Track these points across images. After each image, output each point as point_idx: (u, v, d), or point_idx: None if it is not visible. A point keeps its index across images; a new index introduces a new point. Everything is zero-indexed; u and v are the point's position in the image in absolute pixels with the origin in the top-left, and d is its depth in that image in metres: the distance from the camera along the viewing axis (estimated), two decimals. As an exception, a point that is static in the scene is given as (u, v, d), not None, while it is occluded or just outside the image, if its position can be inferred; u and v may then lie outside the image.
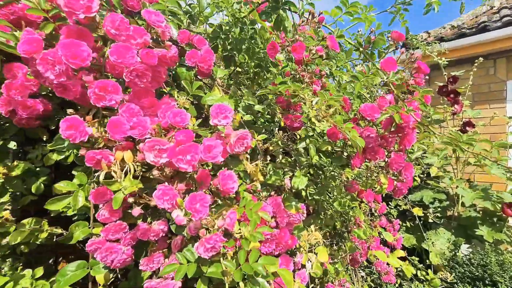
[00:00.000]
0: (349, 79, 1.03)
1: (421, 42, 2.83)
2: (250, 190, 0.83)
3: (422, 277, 2.58)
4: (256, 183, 0.90)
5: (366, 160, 1.04)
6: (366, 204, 1.57)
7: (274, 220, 0.83)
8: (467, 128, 2.84)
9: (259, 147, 0.91)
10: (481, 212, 2.75)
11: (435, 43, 3.14)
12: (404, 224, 3.24)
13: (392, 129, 0.97)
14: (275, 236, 0.81)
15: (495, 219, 2.59)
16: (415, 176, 2.14)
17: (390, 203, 2.80)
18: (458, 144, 0.96)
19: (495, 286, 2.20)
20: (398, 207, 2.73)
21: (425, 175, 3.39)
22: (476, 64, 2.72)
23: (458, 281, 2.41)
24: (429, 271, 2.50)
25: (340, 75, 1.32)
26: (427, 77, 4.33)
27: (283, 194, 0.93)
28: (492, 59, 3.39)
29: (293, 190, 0.95)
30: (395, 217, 1.99)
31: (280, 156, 1.01)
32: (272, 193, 0.94)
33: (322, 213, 1.11)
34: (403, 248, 3.22)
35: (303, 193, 1.00)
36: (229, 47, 1.06)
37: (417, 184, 2.40)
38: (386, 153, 1.05)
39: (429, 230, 2.99)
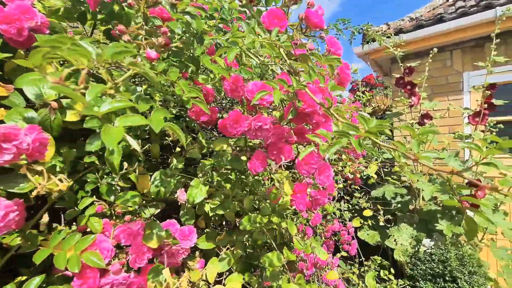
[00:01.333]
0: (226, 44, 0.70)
1: (377, 33, 2.73)
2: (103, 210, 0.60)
3: (385, 277, 2.48)
4: (136, 199, 0.67)
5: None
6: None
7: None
8: (425, 120, 2.79)
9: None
10: (441, 205, 2.71)
11: (389, 36, 3.06)
12: (365, 223, 3.16)
13: (290, 117, 0.66)
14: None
15: (454, 212, 2.54)
16: (371, 172, 2.02)
17: (350, 201, 2.68)
18: (348, 134, 0.77)
19: (455, 282, 2.14)
20: (358, 205, 2.61)
21: (389, 169, 3.33)
22: (431, 55, 2.66)
23: (420, 279, 2.33)
24: (385, 272, 2.40)
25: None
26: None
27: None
28: (448, 51, 3.39)
29: (188, 205, 0.74)
30: (347, 219, 1.85)
31: (175, 160, 0.78)
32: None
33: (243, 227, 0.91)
34: (367, 245, 3.15)
35: (206, 208, 0.78)
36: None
37: (373, 182, 2.29)
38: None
39: (393, 226, 2.92)
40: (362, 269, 2.55)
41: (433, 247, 2.77)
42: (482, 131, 2.68)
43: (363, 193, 2.74)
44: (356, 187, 2.40)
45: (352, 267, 2.46)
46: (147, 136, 0.87)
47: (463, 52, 3.31)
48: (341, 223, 1.69)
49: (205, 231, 0.97)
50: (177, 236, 0.62)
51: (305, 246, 0.97)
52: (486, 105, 2.43)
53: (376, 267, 2.59)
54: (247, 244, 0.98)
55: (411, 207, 3.01)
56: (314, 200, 0.71)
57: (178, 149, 0.91)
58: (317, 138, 0.61)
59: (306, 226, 1.41)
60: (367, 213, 1.84)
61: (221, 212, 0.77)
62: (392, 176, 3.24)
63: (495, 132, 2.51)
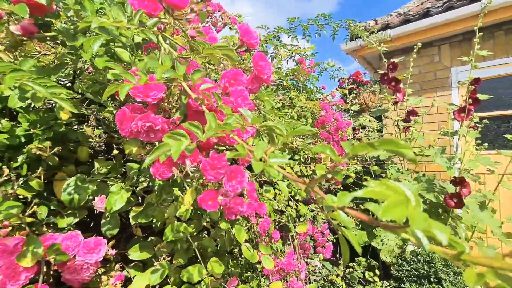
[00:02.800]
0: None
1: (360, 28, 2.66)
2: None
3: (370, 278, 2.42)
4: (14, 211, 0.59)
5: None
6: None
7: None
8: (411, 117, 2.73)
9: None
10: (428, 204, 2.64)
11: (374, 31, 2.99)
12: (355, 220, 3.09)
13: (178, 115, 0.55)
14: None
15: (440, 211, 2.48)
16: (350, 172, 1.96)
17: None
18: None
19: (439, 283, 2.07)
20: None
21: (378, 167, 3.26)
22: (415, 50, 2.59)
23: (405, 280, 2.26)
24: (370, 273, 2.33)
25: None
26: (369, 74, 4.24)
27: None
28: (436, 46, 3.32)
29: (108, 214, 0.67)
30: (320, 222, 1.78)
31: (97, 164, 0.71)
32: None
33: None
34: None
35: (132, 215, 0.72)
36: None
37: (351, 181, 2.22)
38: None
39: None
40: (347, 271, 2.48)
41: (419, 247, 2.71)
42: (469, 127, 2.62)
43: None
44: (339, 186, 2.33)
45: (337, 268, 2.40)
46: (77, 139, 0.81)
47: (451, 47, 3.24)
48: (315, 225, 1.63)
49: (150, 239, 0.91)
50: (79, 249, 0.55)
51: (252, 254, 0.90)
52: (470, 100, 2.36)
53: (363, 268, 2.52)
54: (196, 252, 0.91)
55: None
56: (226, 209, 0.64)
57: (115, 151, 0.85)
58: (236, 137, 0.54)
59: (275, 229, 1.35)
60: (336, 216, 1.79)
61: (143, 220, 0.70)
62: (382, 175, 3.18)
63: (480, 128, 2.44)
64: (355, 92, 3.53)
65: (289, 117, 1.70)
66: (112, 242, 0.73)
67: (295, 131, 0.53)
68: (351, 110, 3.25)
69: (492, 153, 2.96)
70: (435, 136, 3.08)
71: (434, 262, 2.14)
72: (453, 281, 2.01)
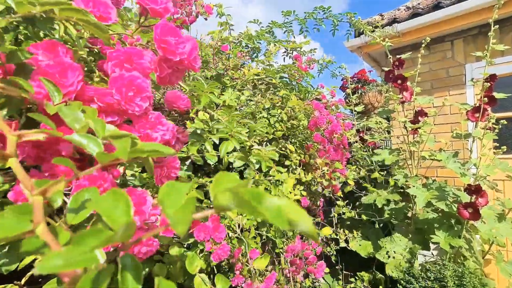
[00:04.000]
0: None
1: (362, 23, 2.46)
2: None
3: (374, 295, 2.20)
4: None
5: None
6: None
7: None
8: (419, 118, 2.50)
9: None
10: (440, 213, 2.40)
11: (378, 26, 2.77)
12: (358, 230, 2.88)
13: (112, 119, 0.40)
14: None
15: (453, 221, 2.24)
16: (348, 179, 1.76)
17: (332, 209, 2.41)
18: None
19: (452, 305, 1.84)
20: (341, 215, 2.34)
21: (385, 173, 3.04)
22: (423, 45, 2.37)
23: (413, 299, 2.04)
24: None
25: None
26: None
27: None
28: (449, 41, 3.07)
29: None
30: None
31: None
32: None
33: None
34: (359, 258, 2.86)
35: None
36: None
37: (350, 190, 2.01)
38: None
39: (386, 237, 2.63)
40: (348, 286, 2.27)
41: (432, 260, 2.47)
42: (484, 128, 2.37)
43: (349, 201, 2.47)
44: (339, 194, 2.13)
45: (337, 283, 2.19)
46: None
47: (465, 41, 2.99)
48: (305, 241, 1.45)
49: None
50: None
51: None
52: (486, 99, 2.12)
53: (365, 283, 2.31)
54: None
55: (409, 214, 2.71)
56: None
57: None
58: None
59: (252, 248, 1.18)
60: (327, 231, 1.56)
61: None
62: (387, 181, 2.95)
63: (497, 130, 2.19)
64: (359, 91, 3.30)
65: (279, 119, 1.53)
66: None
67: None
68: (355, 111, 3.04)
69: (511, 157, 2.69)
70: (448, 139, 2.83)
71: (446, 281, 1.91)
72: (468, 303, 1.78)
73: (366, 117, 3.15)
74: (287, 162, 1.61)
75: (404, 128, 2.54)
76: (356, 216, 2.14)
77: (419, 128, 2.32)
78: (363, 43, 3.32)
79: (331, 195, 2.20)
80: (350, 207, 2.13)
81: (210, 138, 0.85)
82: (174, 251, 0.77)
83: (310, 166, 1.89)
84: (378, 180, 2.46)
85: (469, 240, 2.18)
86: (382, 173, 2.88)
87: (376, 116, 2.63)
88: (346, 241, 2.99)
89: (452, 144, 3.03)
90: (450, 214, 2.29)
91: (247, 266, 1.12)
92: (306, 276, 2.45)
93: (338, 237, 2.43)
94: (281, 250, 1.38)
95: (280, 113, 1.52)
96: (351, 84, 3.08)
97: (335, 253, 2.36)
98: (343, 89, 3.15)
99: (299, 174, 1.51)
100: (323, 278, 2.64)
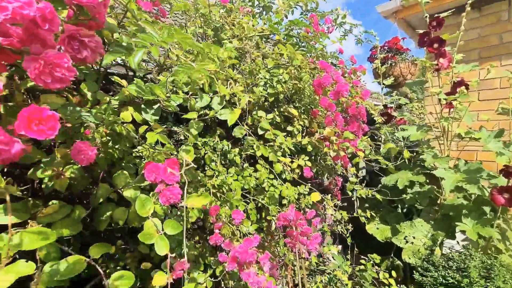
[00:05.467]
0: None
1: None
2: None
3: (385, 280, 2.05)
4: None
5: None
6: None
7: None
8: (458, 89, 2.16)
9: None
10: (472, 199, 2.11)
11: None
12: (377, 212, 2.69)
13: None
14: None
15: (487, 209, 1.95)
16: (358, 151, 1.57)
17: (344, 187, 2.24)
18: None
19: (473, 298, 1.63)
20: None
21: (414, 154, 2.76)
22: (469, 3, 1.99)
23: (429, 288, 1.85)
24: (386, 274, 1.96)
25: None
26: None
27: None
28: (506, 0, 2.57)
29: None
30: (309, 207, 1.44)
31: None
32: None
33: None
34: (376, 242, 2.67)
35: None
36: None
37: (358, 161, 1.80)
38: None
39: (406, 221, 2.41)
40: (357, 268, 2.14)
41: (457, 250, 2.22)
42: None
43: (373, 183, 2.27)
44: (352, 171, 1.96)
45: (344, 264, 2.08)
46: None
47: (527, 0, 2.47)
48: (300, 210, 1.34)
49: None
50: None
51: (149, 234, 0.68)
52: (548, 66, 1.74)
53: (378, 268, 2.16)
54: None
55: (438, 201, 2.44)
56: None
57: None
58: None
59: (237, 208, 1.11)
60: (315, 197, 1.39)
61: None
62: (416, 161, 2.67)
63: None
64: (389, 62, 2.93)
65: (281, 80, 1.39)
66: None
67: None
68: (383, 84, 2.75)
69: None
70: (495, 117, 2.44)
71: (469, 272, 1.69)
72: (493, 298, 1.56)
73: (396, 92, 2.84)
74: (289, 128, 1.48)
75: (438, 102, 2.22)
76: (370, 195, 1.96)
77: (455, 100, 2.00)
78: (399, 7, 2.92)
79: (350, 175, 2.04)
80: (372, 190, 1.95)
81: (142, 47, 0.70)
82: (129, 192, 0.73)
83: (312, 132, 1.74)
84: (405, 157, 2.21)
85: (504, 230, 1.90)
86: (410, 153, 2.61)
87: (403, 90, 2.34)
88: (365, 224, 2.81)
89: (498, 124, 2.61)
90: (483, 201, 2.00)
91: (230, 226, 1.06)
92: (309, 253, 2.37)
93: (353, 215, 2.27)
94: (273, 217, 1.30)
95: (282, 73, 1.37)
96: (380, 53, 2.76)
97: (347, 234, 2.23)
98: (371, 60, 2.83)
99: (296, 137, 1.37)
100: (333, 257, 2.53)
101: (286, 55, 1.38)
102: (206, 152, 1.32)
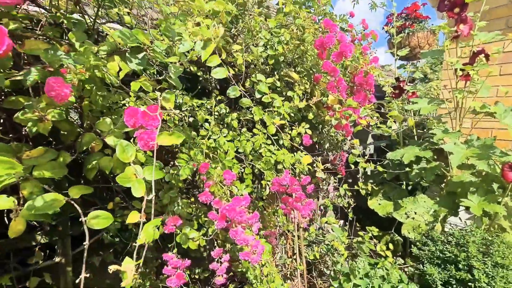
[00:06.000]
0: None
1: None
2: None
3: (382, 252, 2.06)
4: None
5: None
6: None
7: None
8: (477, 58, 2.01)
9: None
10: (481, 177, 2.03)
11: None
12: (381, 188, 2.66)
13: None
14: None
15: (495, 186, 1.88)
16: (361, 119, 1.49)
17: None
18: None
19: (470, 272, 1.62)
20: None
21: (421, 128, 2.66)
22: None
23: (425, 261, 1.85)
24: (383, 246, 1.97)
25: None
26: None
27: None
28: (545, -40, 2.29)
29: None
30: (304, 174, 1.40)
31: None
32: None
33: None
34: (378, 218, 2.67)
35: None
36: None
37: (359, 129, 1.73)
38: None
39: (409, 196, 2.37)
40: (355, 240, 2.16)
41: (453, 226, 2.19)
42: None
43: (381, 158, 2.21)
44: (356, 142, 1.91)
45: (342, 235, 2.09)
46: None
47: None
48: (295, 176, 1.32)
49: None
50: None
51: (127, 177, 0.68)
52: None
53: (381, 242, 2.18)
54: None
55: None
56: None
57: None
58: None
59: (225, 169, 1.10)
60: (307, 160, 1.33)
61: None
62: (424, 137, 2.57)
63: None
64: (406, 31, 2.71)
65: (284, 40, 1.31)
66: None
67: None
68: (397, 55, 2.59)
69: None
70: (506, 89, 2.28)
71: (467, 247, 1.66)
72: (490, 273, 1.54)
73: (411, 63, 2.68)
74: (289, 93, 1.42)
75: (454, 74, 2.08)
76: (374, 170, 1.91)
77: (473, 70, 1.87)
78: (421, -31, 2.68)
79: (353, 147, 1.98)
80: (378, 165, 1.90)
81: None
82: (111, 139, 0.73)
83: (322, 105, 1.68)
84: (409, 125, 2.12)
85: (511, 208, 1.84)
86: (419, 129, 2.52)
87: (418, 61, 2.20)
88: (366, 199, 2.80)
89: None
90: (493, 178, 1.92)
91: (222, 187, 1.06)
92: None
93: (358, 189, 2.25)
94: (268, 182, 1.29)
95: (284, 32, 1.29)
96: (397, 21, 2.58)
97: (349, 209, 2.23)
98: (386, 28, 2.64)
99: (294, 99, 1.32)
100: (332, 229, 2.56)
101: (289, 12, 1.29)
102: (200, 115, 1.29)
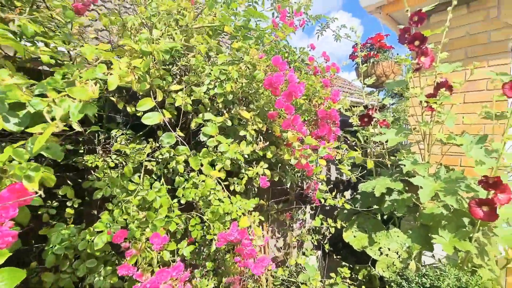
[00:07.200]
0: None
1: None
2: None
3: (356, 295, 1.91)
4: None
5: None
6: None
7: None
8: (439, 91, 2.01)
9: None
10: (452, 210, 1.97)
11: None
12: (355, 219, 2.55)
13: None
14: None
15: (466, 220, 1.81)
16: (320, 158, 1.40)
17: (306, 199, 2.08)
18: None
19: (446, 320, 1.50)
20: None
21: (388, 156, 2.61)
22: (454, -5, 1.81)
23: (401, 306, 1.72)
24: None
25: None
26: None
27: None
28: (496, -4, 2.41)
29: None
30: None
31: None
32: None
33: None
34: (350, 250, 2.54)
35: None
36: None
37: (320, 170, 1.64)
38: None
39: (389, 230, 2.27)
40: (327, 282, 2.00)
41: (433, 264, 2.09)
42: (527, 107, 1.82)
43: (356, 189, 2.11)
44: (322, 177, 1.80)
45: (312, 279, 1.93)
46: None
47: (518, -5, 2.31)
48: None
49: None
50: None
51: None
52: (534, 67, 1.58)
53: (359, 276, 2.03)
54: None
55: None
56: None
57: None
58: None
59: (155, 232, 0.94)
60: (243, 223, 1.17)
61: None
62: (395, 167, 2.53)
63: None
64: (372, 60, 2.75)
65: (230, 77, 1.21)
66: None
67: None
68: (364, 83, 2.59)
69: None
70: (480, 121, 2.30)
71: (442, 291, 1.55)
72: (466, 322, 1.42)
73: (378, 92, 2.68)
74: (242, 132, 1.31)
75: (419, 104, 2.07)
76: (340, 204, 1.80)
77: (435, 103, 1.85)
78: (383, 1, 2.75)
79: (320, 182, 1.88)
80: (343, 199, 1.80)
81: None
82: None
83: (282, 141, 1.58)
84: (368, 167, 2.06)
85: (483, 244, 1.76)
86: (393, 158, 2.47)
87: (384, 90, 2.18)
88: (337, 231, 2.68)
89: (484, 128, 2.47)
90: (463, 212, 1.86)
91: (146, 252, 0.89)
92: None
93: (324, 225, 2.12)
94: (214, 236, 1.14)
95: (231, 70, 1.20)
96: (362, 51, 2.59)
97: (325, 241, 2.09)
98: (353, 57, 2.66)
99: (241, 145, 1.20)
100: (305, 268, 2.39)
101: (239, 49, 1.21)
102: (142, 161, 1.15)
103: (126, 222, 0.94)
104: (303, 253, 3.20)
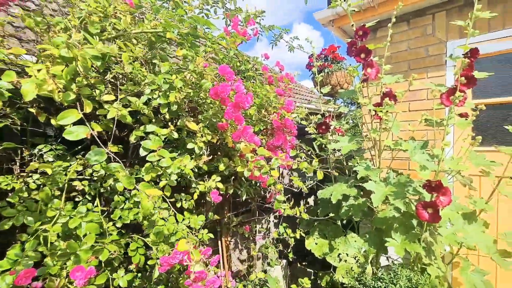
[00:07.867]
0: None
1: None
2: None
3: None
4: None
5: None
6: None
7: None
8: (384, 100, 2.12)
9: None
10: (402, 212, 2.07)
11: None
12: (316, 226, 2.57)
13: None
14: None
15: (415, 222, 1.91)
16: (273, 169, 1.38)
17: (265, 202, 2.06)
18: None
19: (400, 323, 1.53)
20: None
21: (346, 163, 2.69)
22: (394, 16, 1.95)
23: (359, 312, 1.73)
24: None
25: None
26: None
27: None
28: (430, 14, 2.66)
29: None
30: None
31: None
32: None
33: None
34: (313, 258, 2.55)
35: None
36: None
37: (272, 182, 1.64)
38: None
39: (341, 237, 2.31)
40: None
41: (387, 265, 2.16)
42: (461, 114, 2.01)
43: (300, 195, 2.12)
44: (280, 187, 1.78)
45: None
46: None
47: (448, 15, 2.58)
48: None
49: None
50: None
51: None
52: (463, 79, 1.74)
53: (322, 282, 2.01)
54: None
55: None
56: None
57: None
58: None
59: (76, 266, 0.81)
60: (181, 246, 1.14)
61: None
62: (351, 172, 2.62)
63: (474, 117, 1.84)
64: (326, 70, 2.89)
65: (173, 86, 1.14)
66: None
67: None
68: (321, 92, 2.66)
69: (491, 150, 2.35)
70: (422, 128, 2.48)
71: (395, 293, 1.59)
72: (418, 322, 1.47)
73: (334, 100, 2.77)
74: (190, 145, 1.24)
75: (368, 113, 2.18)
76: (298, 214, 1.79)
77: (381, 111, 1.95)
78: (335, 16, 2.90)
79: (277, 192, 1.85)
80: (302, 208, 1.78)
81: None
82: None
83: (236, 152, 1.52)
84: (318, 178, 2.10)
85: (430, 244, 1.86)
86: (350, 164, 2.55)
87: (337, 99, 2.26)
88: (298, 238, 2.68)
89: (427, 134, 2.68)
90: (412, 214, 1.96)
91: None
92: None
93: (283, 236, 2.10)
94: (157, 260, 1.03)
95: (175, 79, 1.13)
96: (317, 61, 2.67)
97: (289, 250, 2.05)
98: (309, 67, 2.75)
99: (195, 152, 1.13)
100: (267, 282, 2.33)
101: (185, 56, 1.14)
102: (70, 179, 1.00)
103: (43, 255, 0.79)
104: (268, 264, 3.15)
